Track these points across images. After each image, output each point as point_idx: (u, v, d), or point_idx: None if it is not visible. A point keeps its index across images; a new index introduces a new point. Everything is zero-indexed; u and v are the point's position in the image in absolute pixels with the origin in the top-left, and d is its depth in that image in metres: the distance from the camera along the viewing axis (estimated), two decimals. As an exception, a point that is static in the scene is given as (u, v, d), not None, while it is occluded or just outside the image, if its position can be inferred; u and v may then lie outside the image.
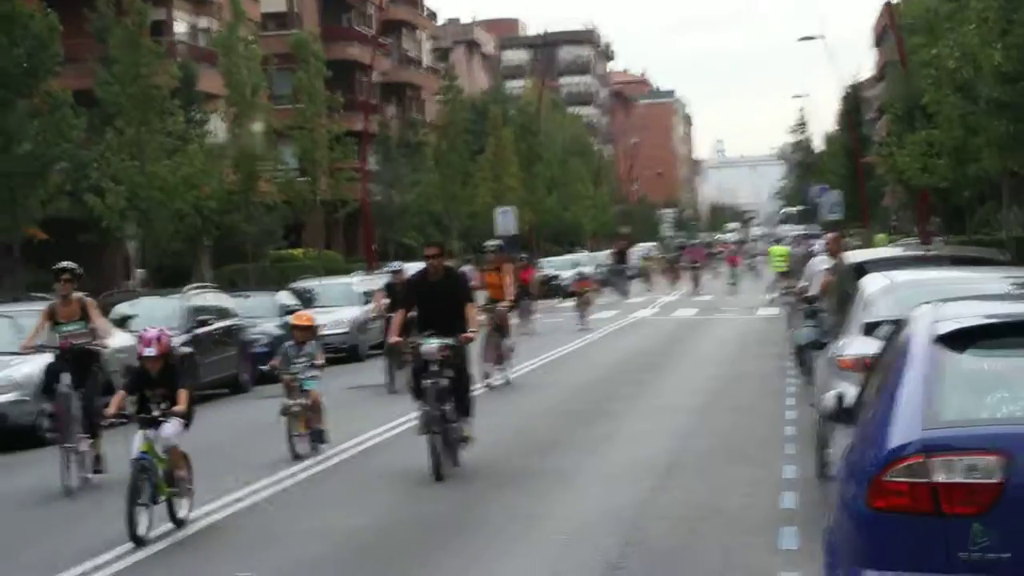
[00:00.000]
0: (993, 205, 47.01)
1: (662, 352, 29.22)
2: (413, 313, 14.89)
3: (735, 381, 22.48)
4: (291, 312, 28.90)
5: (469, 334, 14.34)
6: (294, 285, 35.13)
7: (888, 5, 42.05)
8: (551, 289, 60.40)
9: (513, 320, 27.26)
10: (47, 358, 19.48)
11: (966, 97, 29.06)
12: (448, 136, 61.25)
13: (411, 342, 14.55)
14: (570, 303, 42.89)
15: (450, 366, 14.21)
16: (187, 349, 23.47)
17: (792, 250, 47.14)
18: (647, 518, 11.45)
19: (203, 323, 24.46)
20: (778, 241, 63.94)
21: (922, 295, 8.80)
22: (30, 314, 20.14)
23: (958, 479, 5.89)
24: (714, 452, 14.95)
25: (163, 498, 11.67)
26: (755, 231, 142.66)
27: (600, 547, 10.39)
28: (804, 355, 21.27)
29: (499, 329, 23.39)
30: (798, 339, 14.56)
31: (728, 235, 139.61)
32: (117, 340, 21.73)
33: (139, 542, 11.13)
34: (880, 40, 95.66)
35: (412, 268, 27.20)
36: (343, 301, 32.57)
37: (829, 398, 7.62)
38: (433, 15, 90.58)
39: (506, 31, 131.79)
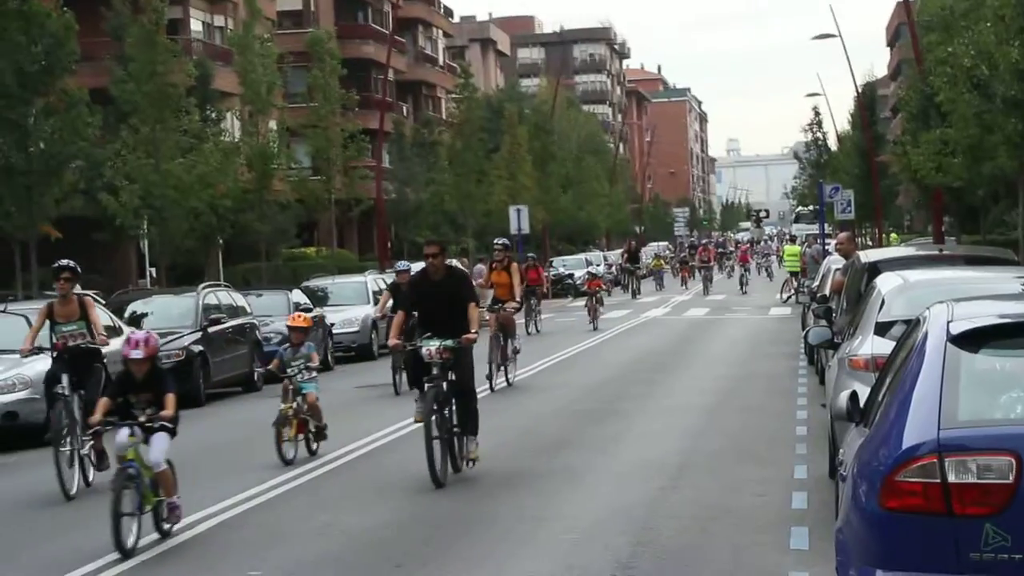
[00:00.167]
0: (1007, 204, 46.89)
1: (673, 352, 29.20)
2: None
3: (746, 381, 22.45)
4: (304, 311, 29.03)
5: (471, 335, 13.79)
6: (307, 283, 35.17)
7: (904, 3, 41.94)
8: (564, 288, 60.48)
9: (519, 320, 27.13)
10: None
11: (982, 95, 28.96)
12: (463, 134, 61.24)
13: (409, 344, 14.15)
14: (582, 302, 42.83)
15: (451, 370, 13.78)
16: (199, 347, 23.52)
17: (805, 249, 47.09)
18: (658, 517, 11.43)
19: (216, 321, 24.49)
20: (792, 240, 63.82)
21: (936, 295, 8.77)
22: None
23: (971, 479, 5.87)
24: (725, 452, 14.92)
25: (149, 508, 11.22)
26: (768, 230, 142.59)
27: (611, 546, 10.38)
28: (816, 354, 21.27)
29: (504, 329, 22.95)
30: (810, 338, 14.49)
31: (741, 234, 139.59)
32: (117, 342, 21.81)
33: (126, 553, 10.72)
34: (894, 39, 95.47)
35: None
36: (356, 300, 32.60)
37: (842, 398, 7.60)
38: (449, 13, 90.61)
39: (521, 29, 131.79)
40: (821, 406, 16.13)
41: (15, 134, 30.07)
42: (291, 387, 15.69)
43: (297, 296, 29.92)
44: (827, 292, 21.23)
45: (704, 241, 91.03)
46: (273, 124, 45.51)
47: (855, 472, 6.51)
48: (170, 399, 11.45)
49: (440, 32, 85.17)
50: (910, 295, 11.58)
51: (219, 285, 29.29)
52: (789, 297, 46.27)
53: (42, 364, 18.97)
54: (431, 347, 13.65)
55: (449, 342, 13.66)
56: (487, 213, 62.35)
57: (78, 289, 15.73)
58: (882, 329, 11.33)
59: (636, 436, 16.52)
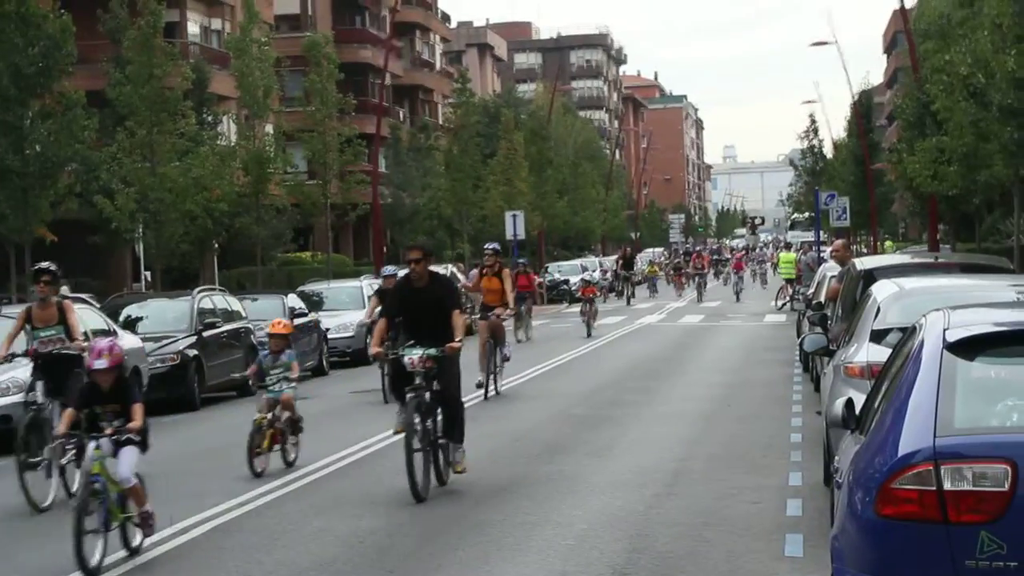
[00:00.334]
0: (1002, 212, 46.95)
1: (668, 358, 29.19)
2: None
3: (741, 388, 22.44)
4: (299, 315, 29.00)
5: (455, 344, 13.29)
6: (303, 288, 35.15)
7: (901, 11, 41.99)
8: (559, 294, 60.50)
9: (507, 326, 26.74)
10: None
11: (978, 103, 29.01)
12: (459, 139, 61.26)
13: (392, 352, 13.69)
14: (577, 308, 42.80)
15: (435, 379, 13.29)
16: (194, 352, 23.50)
17: (800, 257, 47.12)
18: (653, 524, 11.42)
19: (211, 325, 24.47)
20: (787, 247, 63.87)
21: (931, 302, 8.78)
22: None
23: (967, 487, 5.88)
24: (720, 458, 14.92)
25: (116, 524, 10.72)
26: (763, 237, 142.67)
27: (605, 553, 10.37)
28: (811, 362, 21.27)
29: (494, 337, 22.34)
30: (806, 345, 14.48)
31: (736, 241, 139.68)
32: (124, 342, 21.79)
33: (90, 573, 10.22)
34: (891, 46, 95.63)
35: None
36: (351, 304, 32.57)
37: (837, 405, 7.60)
38: (446, 18, 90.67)
39: (518, 34, 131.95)
40: (816, 413, 16.13)
41: (11, 136, 30.06)
42: (267, 397, 15.19)
43: (292, 300, 29.89)
44: (822, 299, 21.24)
45: (698, 248, 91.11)
46: (270, 128, 45.50)
47: (851, 479, 6.51)
48: (138, 410, 10.89)
49: (437, 37, 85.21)
50: (905, 303, 11.59)
51: (214, 289, 29.28)
52: (784, 304, 46.30)
53: (36, 367, 18.98)
54: (413, 356, 13.19)
55: (432, 351, 13.21)
56: (483, 218, 62.39)
57: (68, 293, 15.35)
58: (878, 336, 11.35)
59: (631, 442, 16.51)
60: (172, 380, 22.84)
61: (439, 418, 13.48)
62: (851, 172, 65.53)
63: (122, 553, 10.91)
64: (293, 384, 15.37)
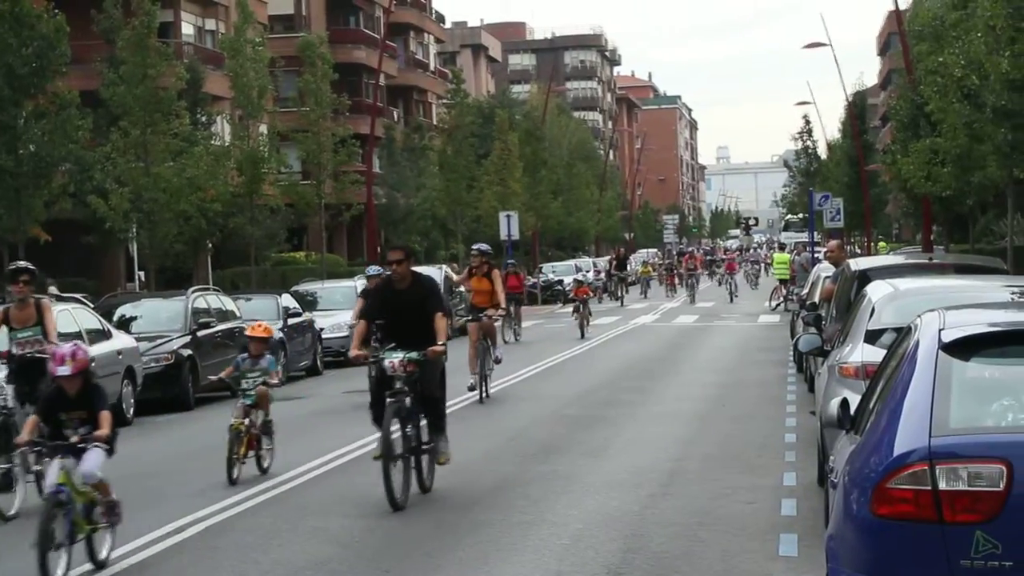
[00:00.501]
0: (996, 214, 47.00)
1: (662, 359, 29.20)
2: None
3: (735, 388, 22.47)
4: (294, 315, 29.00)
5: (438, 347, 12.82)
6: (297, 288, 35.14)
7: (895, 13, 42.03)
8: (553, 294, 60.52)
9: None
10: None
11: (972, 105, 29.04)
12: (454, 140, 61.27)
13: (373, 356, 13.27)
14: (570, 308, 42.74)
15: (416, 383, 12.86)
16: (188, 351, 23.48)
17: (794, 257, 47.14)
18: (648, 524, 11.44)
19: (205, 325, 24.46)
20: (782, 248, 63.88)
21: (925, 303, 8.79)
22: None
23: (962, 487, 5.89)
24: (714, 459, 14.93)
25: (82, 536, 10.22)
26: (757, 238, 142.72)
27: (601, 552, 10.39)
28: (805, 362, 21.30)
29: (486, 339, 21.84)
30: (800, 346, 14.49)
31: (730, 242, 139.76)
32: (118, 342, 21.80)
33: None
34: (885, 48, 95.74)
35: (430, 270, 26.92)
36: (345, 304, 32.48)
37: (832, 405, 7.62)
38: (440, 18, 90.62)
39: (513, 35, 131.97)
40: (810, 413, 16.15)
41: (5, 136, 30.06)
42: (244, 402, 14.70)
43: (287, 300, 29.89)
44: (816, 300, 21.27)
45: (690, 248, 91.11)
46: (264, 128, 45.49)
47: (846, 479, 6.53)
48: (105, 417, 10.41)
49: (431, 37, 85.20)
50: (900, 303, 11.60)
51: (208, 289, 29.26)
52: (778, 305, 46.33)
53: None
54: (394, 359, 12.76)
55: (414, 355, 12.75)
56: (477, 219, 62.41)
57: (57, 292, 15.01)
58: (872, 337, 11.36)
59: (626, 442, 16.52)
60: (166, 380, 22.83)
61: (422, 423, 13.09)
62: (845, 173, 65.58)
63: (89, 566, 10.49)
64: (274, 381, 14.94)
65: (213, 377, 15.60)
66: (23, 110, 30.58)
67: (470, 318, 22.53)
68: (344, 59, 60.62)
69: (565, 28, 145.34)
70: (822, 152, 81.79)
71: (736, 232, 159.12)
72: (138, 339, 22.83)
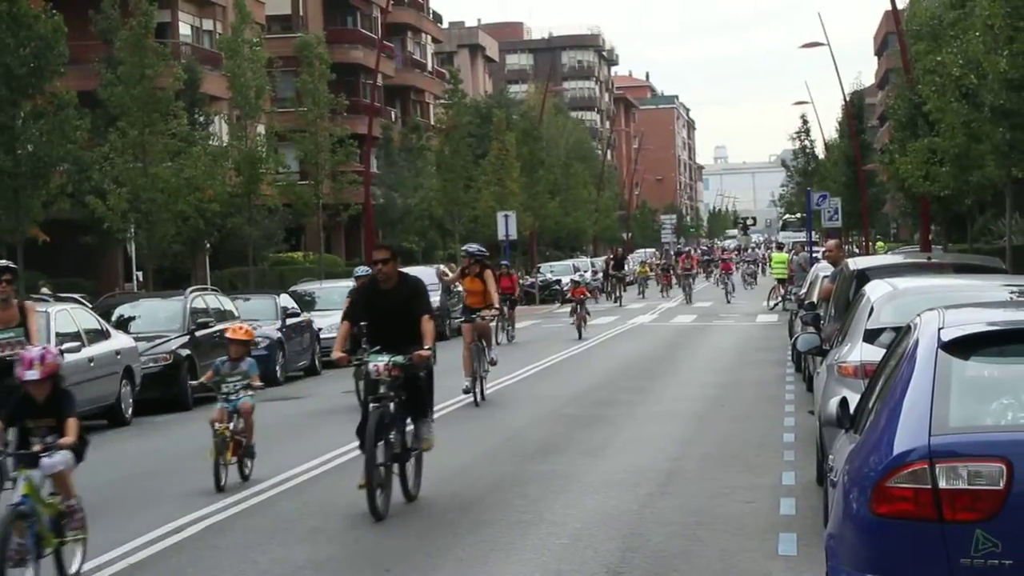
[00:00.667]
0: (994, 213, 47.02)
1: (661, 359, 29.20)
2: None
3: (734, 388, 22.47)
4: (292, 315, 29.00)
5: (424, 352, 12.33)
6: (295, 288, 35.14)
7: (892, 12, 42.05)
8: (551, 294, 60.55)
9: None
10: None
11: (970, 104, 29.04)
12: (451, 140, 61.31)
13: (356, 358, 12.80)
14: (568, 308, 42.71)
15: (401, 388, 12.38)
16: (186, 351, 23.47)
17: (792, 257, 47.15)
18: (647, 523, 11.44)
19: (204, 325, 24.46)
20: (780, 248, 63.90)
21: (924, 302, 8.80)
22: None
23: (962, 486, 5.90)
24: (713, 458, 14.94)
25: (49, 551, 9.65)
26: (755, 237, 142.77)
27: (600, 552, 10.39)
28: (803, 361, 21.31)
29: (480, 340, 21.52)
30: (799, 345, 14.50)
31: (728, 241, 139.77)
32: (117, 342, 21.79)
33: None
34: (882, 47, 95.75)
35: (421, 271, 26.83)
36: (343, 304, 32.52)
37: (832, 404, 7.62)
38: (438, 18, 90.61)
39: (510, 35, 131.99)
40: (809, 413, 16.16)
41: (3, 137, 30.06)
42: (226, 407, 14.25)
43: (285, 300, 29.90)
44: (815, 299, 21.27)
45: (687, 248, 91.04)
46: (261, 128, 45.49)
47: (846, 478, 6.53)
48: (72, 425, 9.78)
49: (429, 38, 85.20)
50: (899, 302, 11.61)
51: (207, 289, 29.25)
52: (776, 304, 46.34)
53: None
54: (379, 363, 12.27)
55: (399, 358, 12.28)
56: (474, 219, 62.44)
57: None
58: (871, 336, 11.37)
59: (624, 442, 16.52)
60: (165, 380, 22.82)
61: (408, 428, 12.64)
62: (843, 173, 65.62)
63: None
64: (251, 393, 14.44)
65: (194, 382, 14.89)
66: (21, 110, 30.57)
67: (463, 319, 22.27)
68: (341, 59, 60.64)
69: (562, 28, 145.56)
70: (820, 152, 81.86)
71: (734, 232, 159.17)
72: (136, 339, 22.82)
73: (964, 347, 6.47)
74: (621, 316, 46.71)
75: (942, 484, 5.92)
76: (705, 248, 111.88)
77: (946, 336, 6.53)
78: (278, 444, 16.42)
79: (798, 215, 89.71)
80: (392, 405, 12.26)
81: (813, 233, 60.10)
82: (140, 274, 42.21)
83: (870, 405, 7.15)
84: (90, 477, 15.51)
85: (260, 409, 20.91)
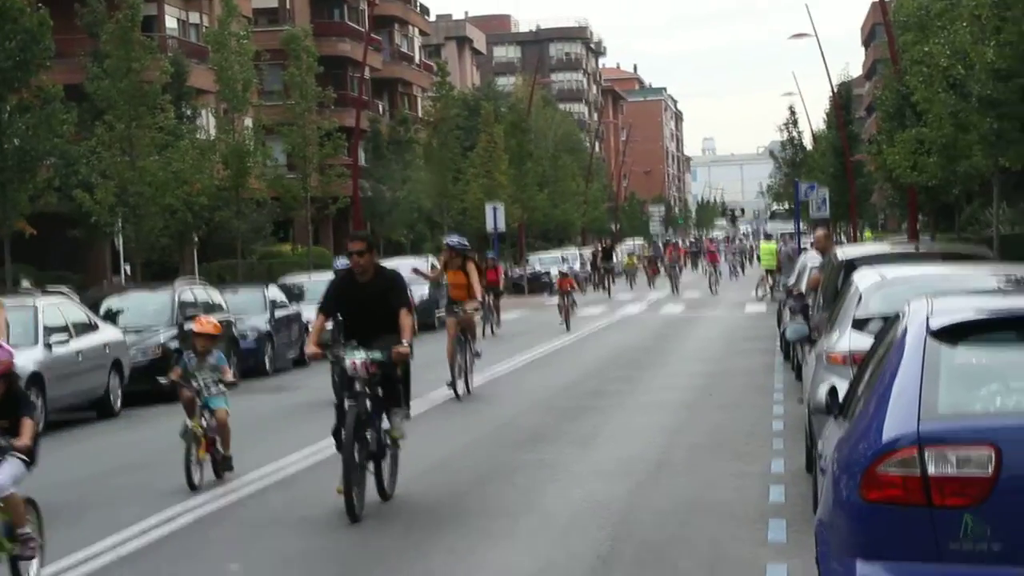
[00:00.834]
0: (981, 203, 47.09)
1: (649, 349, 29.24)
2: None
3: (723, 377, 22.51)
4: (280, 308, 28.97)
5: (402, 348, 11.90)
6: (283, 281, 35.11)
7: (880, 3, 42.09)
8: (540, 285, 60.56)
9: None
10: (37, 352, 19.54)
11: (957, 95, 29.07)
12: (439, 132, 61.28)
13: (333, 354, 12.33)
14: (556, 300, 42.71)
15: (378, 386, 11.98)
16: (176, 344, 23.45)
17: (780, 247, 47.22)
18: (636, 512, 11.46)
19: (192, 318, 24.39)
20: (768, 238, 63.96)
21: (912, 291, 8.82)
22: (21, 308, 20.17)
23: (951, 471, 5.92)
24: (702, 447, 14.97)
25: (4, 557, 9.21)
26: (743, 228, 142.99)
27: (590, 540, 10.41)
28: (792, 350, 21.35)
29: (464, 332, 21.15)
30: (788, 334, 14.53)
31: (716, 232, 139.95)
32: (105, 335, 21.77)
33: None
34: (869, 38, 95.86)
35: (399, 264, 26.91)
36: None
37: (821, 391, 7.64)
38: (425, 11, 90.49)
39: (497, 27, 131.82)
40: (798, 401, 16.20)
41: (-11, 130, 29.94)
42: (198, 403, 13.68)
43: (274, 293, 29.88)
44: (803, 289, 21.31)
45: (675, 240, 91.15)
46: (249, 121, 45.40)
47: (835, 465, 6.55)
48: (27, 426, 9.34)
49: (416, 30, 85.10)
50: (887, 291, 11.63)
51: (195, 281, 29.22)
52: (765, 294, 46.41)
53: (17, 360, 18.92)
54: (356, 359, 11.83)
55: (377, 354, 11.85)
56: (463, 211, 62.42)
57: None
58: (860, 324, 11.39)
59: (614, 431, 16.55)
60: (154, 372, 22.72)
61: (384, 426, 12.22)
62: (831, 163, 65.68)
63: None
64: (223, 392, 13.83)
65: (163, 379, 14.50)
66: (7, 104, 30.46)
67: (446, 312, 21.97)
68: (329, 52, 60.56)
69: (550, 20, 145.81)
70: (808, 143, 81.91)
71: (722, 223, 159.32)
72: (125, 332, 22.80)
73: (953, 335, 6.49)
74: (610, 307, 46.75)
75: (931, 470, 5.93)
76: (693, 239, 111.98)
77: (935, 324, 6.55)
78: (267, 436, 16.41)
79: (786, 206, 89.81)
80: (368, 402, 11.85)
81: (801, 223, 60.15)
82: (128, 267, 42.13)
83: (859, 393, 7.17)
84: (78, 470, 15.54)
85: (250, 401, 21.00)
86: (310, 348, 12.44)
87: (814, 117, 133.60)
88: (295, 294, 32.15)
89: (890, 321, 7.56)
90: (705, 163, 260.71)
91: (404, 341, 11.94)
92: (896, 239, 43.31)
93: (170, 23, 53.48)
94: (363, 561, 10.30)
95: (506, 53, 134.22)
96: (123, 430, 19.78)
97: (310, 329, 13.12)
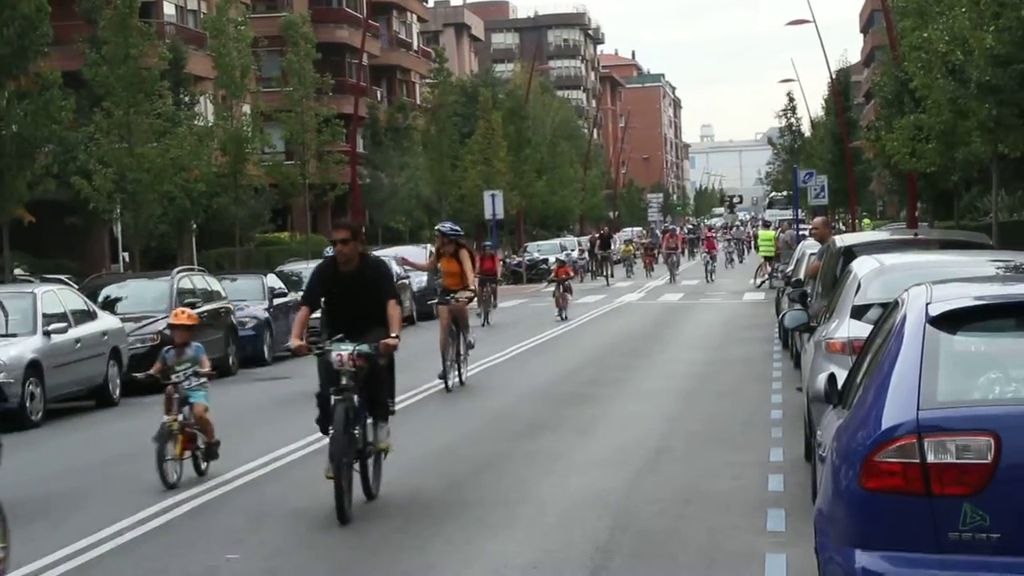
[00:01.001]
0: (980, 190, 47.06)
1: (648, 337, 29.23)
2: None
3: (721, 365, 22.50)
4: (279, 295, 28.93)
5: (390, 340, 11.52)
6: (282, 268, 35.08)
7: (877, -10, 42.01)
8: (538, 273, 60.53)
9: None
10: (35, 340, 19.53)
11: (956, 81, 29.00)
12: (437, 119, 61.22)
13: (317, 347, 11.81)
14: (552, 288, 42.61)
15: (365, 380, 11.63)
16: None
17: (779, 235, 47.19)
18: (635, 501, 11.45)
19: (191, 306, 24.39)
20: (766, 226, 63.92)
21: (911, 278, 8.78)
22: (19, 296, 20.16)
23: (950, 460, 5.90)
24: (701, 435, 14.96)
25: None
26: (742, 215, 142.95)
27: (588, 530, 10.39)
28: (790, 339, 21.34)
29: (457, 322, 20.67)
30: (786, 322, 14.50)
31: (714, 220, 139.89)
32: (104, 322, 21.75)
33: None
34: (868, 25, 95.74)
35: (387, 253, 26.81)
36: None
37: (820, 379, 7.62)
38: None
39: (495, 14, 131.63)
40: (796, 390, 16.18)
41: (-13, 117, 29.88)
42: (176, 396, 13.42)
43: (272, 280, 29.85)
44: (802, 276, 21.29)
45: (673, 227, 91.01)
46: (247, 108, 45.35)
47: (834, 453, 6.53)
48: None
49: (414, 17, 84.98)
50: (886, 279, 11.60)
51: (193, 269, 29.20)
52: (763, 282, 46.39)
53: (17, 348, 18.97)
54: (342, 351, 11.46)
55: (365, 347, 11.50)
56: (461, 198, 62.38)
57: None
58: (858, 312, 11.36)
59: (612, 420, 16.54)
60: (152, 360, 22.70)
61: (370, 422, 11.91)
62: (829, 150, 65.59)
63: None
64: (203, 383, 13.67)
65: (140, 375, 14.15)
66: (5, 91, 30.39)
67: (438, 301, 21.52)
68: (327, 39, 60.47)
69: (548, 7, 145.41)
70: (806, 129, 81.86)
71: (720, 210, 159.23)
72: (123, 320, 22.77)
73: (952, 322, 6.46)
74: (608, 295, 46.73)
75: (930, 458, 5.91)
76: (691, 226, 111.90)
77: (934, 311, 6.52)
78: (264, 425, 16.39)
79: (785, 193, 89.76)
80: (355, 398, 11.52)
81: (800, 211, 60.09)
82: (126, 255, 42.11)
83: (858, 381, 7.15)
84: (77, 459, 15.52)
85: (248, 390, 20.98)
86: (294, 341, 11.99)
87: (812, 104, 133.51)
88: (293, 282, 32.08)
89: (889, 308, 7.54)
90: (703, 150, 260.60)
91: (393, 333, 11.62)
92: (895, 227, 43.27)
93: (168, 9, 53.37)
94: (360, 552, 10.28)
95: (504, 40, 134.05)
96: (122, 419, 19.75)
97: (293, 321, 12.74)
